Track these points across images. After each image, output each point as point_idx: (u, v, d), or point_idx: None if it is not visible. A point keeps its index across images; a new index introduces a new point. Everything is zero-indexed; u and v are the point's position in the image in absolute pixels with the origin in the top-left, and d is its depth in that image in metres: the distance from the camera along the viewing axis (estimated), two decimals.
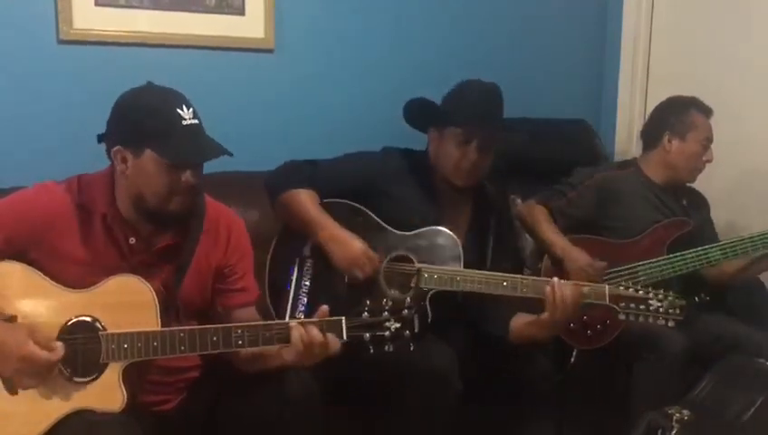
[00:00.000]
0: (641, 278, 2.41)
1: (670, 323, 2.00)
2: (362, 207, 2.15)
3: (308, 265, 2.09)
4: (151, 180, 1.63)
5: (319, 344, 1.61)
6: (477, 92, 2.17)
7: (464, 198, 2.25)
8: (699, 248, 2.43)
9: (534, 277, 2.08)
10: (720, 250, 2.43)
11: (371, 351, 1.65)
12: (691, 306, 2.07)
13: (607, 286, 2.04)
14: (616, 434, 2.21)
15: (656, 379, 2.26)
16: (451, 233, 2.12)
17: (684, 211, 2.59)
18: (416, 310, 1.68)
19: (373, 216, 2.14)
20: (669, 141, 2.55)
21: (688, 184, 2.65)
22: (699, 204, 2.69)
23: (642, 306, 2.00)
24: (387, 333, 1.65)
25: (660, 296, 1.99)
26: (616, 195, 2.55)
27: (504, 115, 2.21)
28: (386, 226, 2.13)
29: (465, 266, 2.09)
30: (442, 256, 2.10)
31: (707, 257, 2.42)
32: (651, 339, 2.29)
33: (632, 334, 2.34)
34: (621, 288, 2.02)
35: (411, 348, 1.67)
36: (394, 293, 2.06)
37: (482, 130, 2.11)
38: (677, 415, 1.89)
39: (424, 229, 2.12)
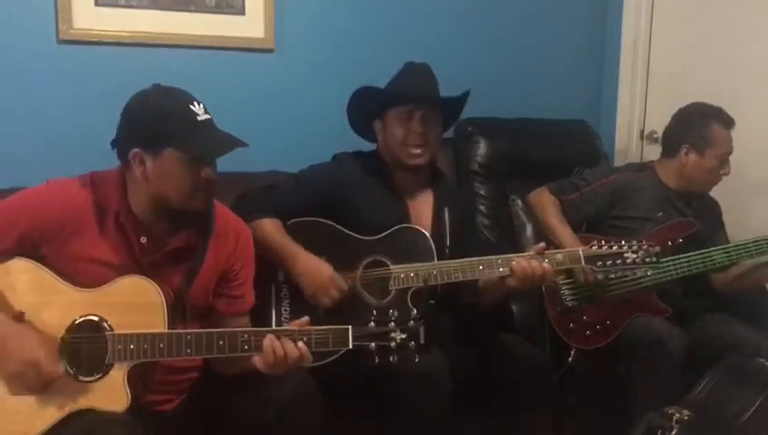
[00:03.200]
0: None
1: (649, 272, 2.09)
2: (327, 221, 2.13)
3: (284, 290, 2.08)
4: (174, 179, 1.64)
5: (291, 357, 1.61)
6: (409, 69, 2.22)
7: (424, 188, 2.24)
8: (704, 251, 2.42)
9: (507, 256, 2.03)
10: (724, 253, 2.42)
11: (377, 361, 1.64)
12: (665, 253, 2.16)
13: (581, 249, 2.06)
14: (616, 434, 2.21)
15: (656, 379, 2.26)
16: (419, 228, 2.13)
17: (693, 214, 2.57)
18: (423, 321, 1.67)
19: (340, 227, 2.13)
20: (686, 154, 2.51)
21: None
22: (709, 207, 2.66)
23: (619, 261, 2.03)
24: (392, 343, 1.64)
25: (635, 247, 2.04)
26: (629, 197, 2.54)
27: (439, 89, 2.22)
28: (354, 234, 2.12)
29: (438, 256, 2.09)
30: (415, 253, 2.09)
31: (711, 260, 2.42)
32: (650, 339, 2.29)
33: (632, 334, 2.34)
34: (595, 247, 2.05)
35: (416, 359, 1.67)
36: (374, 300, 2.04)
37: (421, 100, 2.13)
38: (677, 415, 1.89)
39: (391, 230, 2.12)
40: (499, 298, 2.17)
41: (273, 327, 1.72)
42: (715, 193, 2.73)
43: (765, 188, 2.92)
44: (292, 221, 2.11)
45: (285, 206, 2.12)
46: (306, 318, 1.69)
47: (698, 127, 2.50)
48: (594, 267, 2.06)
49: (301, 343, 1.62)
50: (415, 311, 1.71)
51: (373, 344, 1.64)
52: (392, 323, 1.66)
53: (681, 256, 2.42)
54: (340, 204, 2.15)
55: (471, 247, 2.18)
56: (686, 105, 2.61)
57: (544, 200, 2.54)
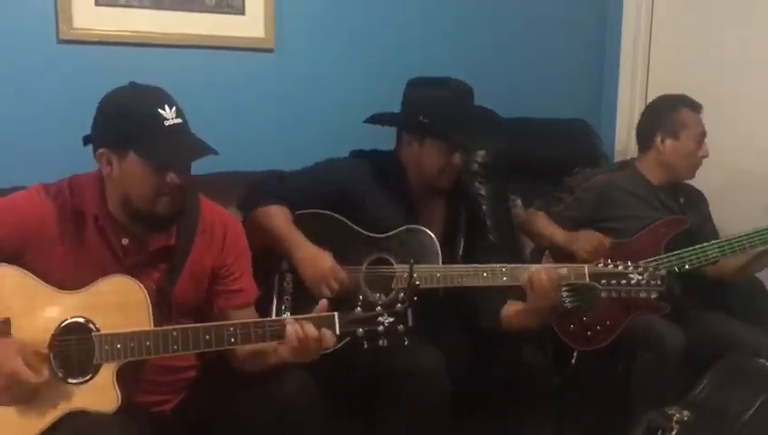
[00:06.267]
0: None
1: (653, 295, 2.04)
2: (336, 215, 2.13)
3: (288, 279, 2.08)
4: (137, 182, 1.63)
5: (314, 339, 1.61)
6: (455, 99, 2.16)
7: (436, 196, 2.25)
8: (697, 246, 2.43)
9: (513, 265, 2.06)
10: (718, 248, 2.43)
11: (365, 346, 1.64)
12: (671, 275, 2.14)
13: (586, 266, 2.07)
14: (616, 434, 2.21)
15: (656, 379, 2.27)
16: (427, 230, 2.12)
17: (681, 210, 2.59)
18: (409, 304, 1.67)
19: (347, 222, 2.13)
20: (662, 141, 2.56)
21: (686, 181, 2.65)
22: (697, 201, 2.69)
23: (623, 281, 2.03)
24: (380, 327, 1.64)
25: (640, 269, 2.03)
26: (614, 197, 2.56)
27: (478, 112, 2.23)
28: (361, 230, 2.12)
29: (444, 263, 2.09)
30: (420, 254, 2.09)
31: (705, 255, 2.42)
32: (650, 339, 2.29)
33: (631, 335, 2.34)
34: (600, 265, 2.05)
35: (405, 343, 1.66)
36: (377, 296, 2.01)
37: (466, 139, 2.14)
38: (677, 415, 1.88)
39: (399, 229, 2.12)
40: (528, 325, 2.11)
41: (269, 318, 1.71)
42: (713, 190, 2.74)
43: (765, 185, 2.92)
44: (300, 212, 2.10)
45: (296, 195, 2.12)
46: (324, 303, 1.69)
47: (668, 113, 2.56)
48: (598, 285, 2.05)
49: (324, 329, 1.61)
50: (402, 295, 1.71)
51: (361, 330, 1.64)
52: (379, 308, 1.66)
53: (675, 252, 2.43)
54: (351, 199, 2.14)
55: (483, 253, 2.19)
56: (651, 101, 2.70)
57: (532, 215, 2.59)
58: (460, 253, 2.19)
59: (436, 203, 2.26)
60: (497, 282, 2.04)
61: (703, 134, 2.53)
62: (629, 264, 2.05)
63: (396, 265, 2.08)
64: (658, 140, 2.56)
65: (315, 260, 2.01)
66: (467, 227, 2.26)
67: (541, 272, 2.00)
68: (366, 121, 2.23)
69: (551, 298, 2.00)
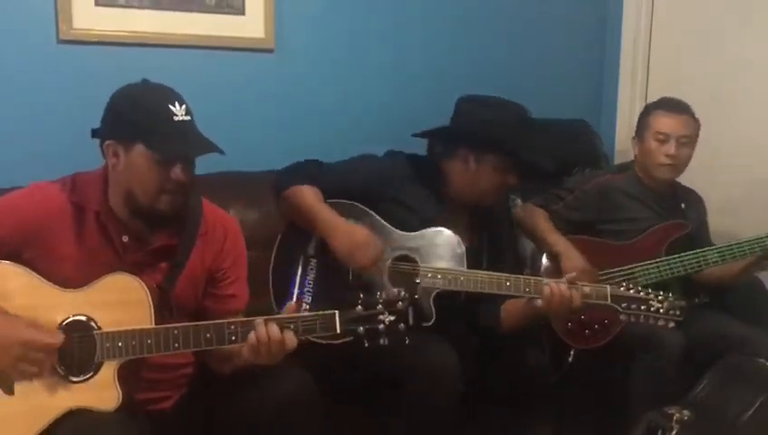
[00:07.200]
0: (639, 280, 2.41)
1: (670, 325, 2.03)
2: (364, 207, 2.14)
3: (312, 264, 2.08)
4: (141, 176, 1.63)
5: (276, 342, 1.60)
6: (519, 121, 2.19)
7: (468, 208, 2.25)
8: (698, 250, 2.43)
9: (537, 278, 2.07)
10: (718, 253, 2.42)
11: (366, 344, 1.64)
12: (691, 307, 2.11)
13: (608, 287, 2.06)
14: (616, 434, 2.21)
15: (655, 379, 2.26)
16: (453, 234, 2.12)
17: (682, 214, 2.59)
18: (410, 302, 1.67)
19: (375, 216, 2.13)
20: (636, 146, 2.60)
21: (685, 185, 2.65)
22: (697, 206, 2.69)
23: (643, 307, 2.02)
24: (381, 326, 1.64)
25: (661, 298, 2.02)
26: (613, 200, 2.56)
27: None
28: (389, 226, 2.13)
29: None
30: (445, 256, 2.10)
31: (706, 260, 2.42)
32: (649, 339, 2.29)
33: (630, 335, 2.34)
34: (622, 289, 2.05)
35: (406, 341, 1.66)
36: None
37: (532, 161, 2.15)
38: (677, 415, 1.89)
39: (427, 230, 2.12)
40: (524, 324, 2.14)
41: (268, 316, 1.71)
42: (715, 193, 2.73)
43: (765, 185, 2.92)
44: (331, 201, 2.11)
45: (329, 184, 2.13)
46: (292, 304, 1.69)
47: (641, 119, 2.61)
48: (618, 308, 2.04)
49: (287, 332, 1.61)
50: (402, 292, 1.69)
51: (362, 328, 1.64)
52: (380, 306, 1.65)
53: (675, 256, 2.43)
54: (383, 198, 2.16)
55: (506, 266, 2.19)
56: None
57: (532, 214, 2.57)
58: (483, 266, 2.18)
59: (465, 212, 2.26)
60: (519, 293, 2.05)
61: (663, 133, 2.48)
62: (650, 291, 2.05)
63: (420, 264, 2.08)
64: (634, 143, 2.62)
65: (350, 232, 2.02)
66: (491, 241, 2.27)
67: (565, 290, 2.00)
68: (418, 136, 2.24)
69: (567, 313, 2.02)
